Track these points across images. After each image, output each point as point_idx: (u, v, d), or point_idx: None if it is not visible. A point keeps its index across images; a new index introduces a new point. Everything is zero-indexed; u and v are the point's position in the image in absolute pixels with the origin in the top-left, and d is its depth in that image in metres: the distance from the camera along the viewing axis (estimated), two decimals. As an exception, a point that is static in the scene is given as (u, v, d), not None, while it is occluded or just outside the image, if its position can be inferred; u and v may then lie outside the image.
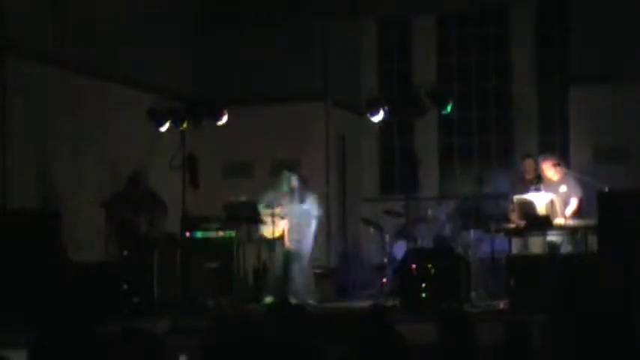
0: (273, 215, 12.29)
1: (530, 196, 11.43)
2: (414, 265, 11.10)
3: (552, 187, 11.48)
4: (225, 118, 12.29)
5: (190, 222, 12.12)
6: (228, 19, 15.19)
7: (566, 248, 11.26)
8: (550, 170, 11.56)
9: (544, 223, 11.08)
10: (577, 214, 11.42)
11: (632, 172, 13.34)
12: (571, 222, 11.24)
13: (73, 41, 12.35)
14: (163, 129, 12.01)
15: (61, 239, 10.90)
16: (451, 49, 16.10)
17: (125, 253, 11.67)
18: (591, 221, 10.82)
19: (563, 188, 11.47)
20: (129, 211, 11.93)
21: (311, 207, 12.46)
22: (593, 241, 10.79)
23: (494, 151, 15.87)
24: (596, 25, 14.00)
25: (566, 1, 14.72)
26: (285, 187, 12.52)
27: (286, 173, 12.64)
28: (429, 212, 12.87)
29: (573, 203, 11.43)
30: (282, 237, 12.45)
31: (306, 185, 12.57)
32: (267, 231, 12.40)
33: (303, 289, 12.22)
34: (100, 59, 12.71)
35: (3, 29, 11.43)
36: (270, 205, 12.40)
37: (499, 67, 15.85)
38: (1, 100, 11.36)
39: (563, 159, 12.25)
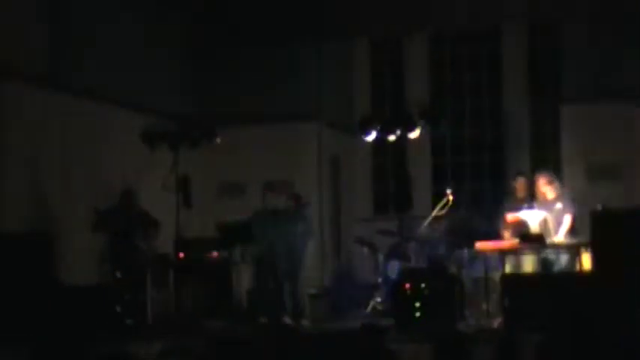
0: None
1: (523, 214, 11.45)
2: (407, 285, 11.09)
3: (547, 204, 11.49)
4: (218, 140, 12.34)
5: (184, 243, 12.11)
6: (221, 42, 15.21)
7: (559, 266, 11.27)
8: (545, 187, 11.57)
9: (537, 241, 11.08)
10: (571, 231, 11.43)
11: (625, 189, 13.38)
12: (564, 240, 11.25)
13: (67, 63, 12.35)
14: (157, 151, 12.05)
15: (54, 261, 10.86)
16: (443, 68, 16.15)
17: (118, 274, 11.64)
18: (584, 239, 10.83)
19: (558, 205, 11.48)
20: (121, 227, 11.90)
21: (305, 227, 12.46)
22: (586, 259, 10.80)
23: (487, 169, 15.89)
24: (587, 43, 14.08)
25: (557, 20, 14.78)
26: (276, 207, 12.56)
27: (277, 194, 12.66)
28: (423, 231, 12.86)
29: (567, 220, 11.43)
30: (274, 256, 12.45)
31: (299, 205, 12.56)
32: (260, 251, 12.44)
33: (297, 309, 12.20)
34: (93, 81, 12.70)
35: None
36: (263, 226, 12.41)
37: (491, 86, 15.89)
38: (-6, 122, 11.35)
39: (556, 177, 12.23)
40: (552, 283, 10.63)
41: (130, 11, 13.59)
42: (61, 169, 12.21)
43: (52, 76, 12.12)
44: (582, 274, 10.71)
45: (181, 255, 12.08)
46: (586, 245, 10.67)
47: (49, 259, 10.83)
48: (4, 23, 11.44)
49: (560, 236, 11.30)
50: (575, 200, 11.59)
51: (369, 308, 12.64)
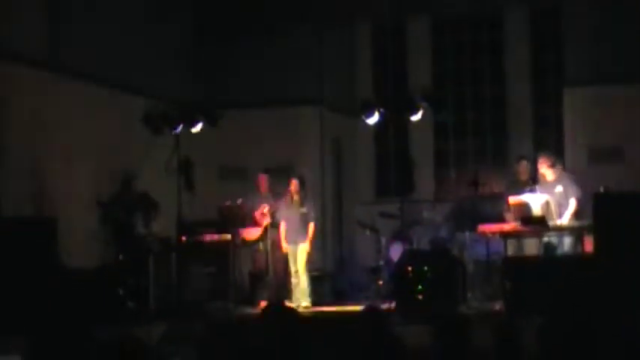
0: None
1: (526, 197, 11.44)
2: (409, 268, 11.10)
3: (548, 187, 11.48)
4: (220, 122, 12.34)
5: (186, 226, 12.13)
6: (223, 25, 15.19)
7: (562, 249, 11.26)
8: (546, 170, 11.55)
9: (539, 224, 11.08)
10: (576, 214, 11.41)
11: (627, 172, 13.37)
12: (566, 223, 11.24)
13: (67, 46, 12.33)
14: (159, 133, 12.05)
15: (57, 245, 10.88)
16: (446, 53, 16.11)
17: (121, 257, 11.66)
18: (587, 222, 10.82)
19: (559, 188, 11.46)
20: (123, 212, 11.93)
21: (309, 210, 12.48)
22: (589, 242, 10.80)
23: (489, 153, 15.88)
24: (588, 27, 14.05)
25: (559, 5, 14.74)
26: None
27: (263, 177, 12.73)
28: (425, 214, 12.87)
29: (572, 204, 11.39)
30: (262, 238, 12.49)
31: (304, 189, 12.57)
32: (248, 233, 12.47)
33: (299, 291, 12.22)
34: (95, 64, 12.70)
35: (-4, 34, 11.42)
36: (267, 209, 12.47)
37: (493, 71, 15.86)
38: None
39: (558, 160, 12.20)
40: (554, 266, 10.64)
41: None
42: (62, 152, 12.21)
43: (52, 59, 12.11)
44: (584, 257, 10.71)
45: (183, 238, 12.09)
46: (589, 228, 10.66)
47: (51, 243, 10.84)
48: (3, 7, 11.41)
49: (564, 219, 11.29)
50: (578, 183, 11.58)
51: (372, 291, 12.66)
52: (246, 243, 12.66)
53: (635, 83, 13.77)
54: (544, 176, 11.56)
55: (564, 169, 12.09)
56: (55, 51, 12.15)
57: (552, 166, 11.57)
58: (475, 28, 15.93)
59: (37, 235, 10.66)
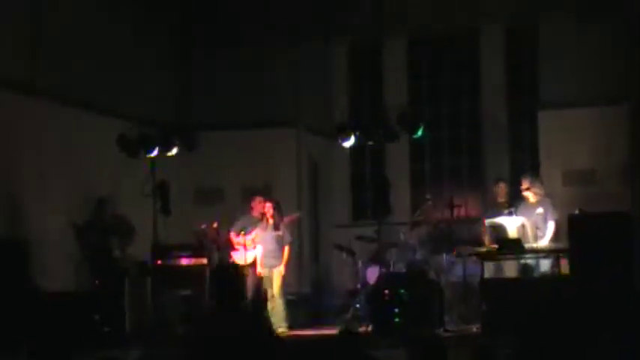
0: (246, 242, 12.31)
1: (501, 219, 11.46)
2: (386, 291, 11.09)
3: (529, 208, 11.51)
4: (196, 145, 12.31)
5: (161, 249, 12.06)
6: (199, 47, 15.19)
7: (538, 271, 11.28)
8: (529, 192, 11.58)
9: (515, 246, 11.10)
10: (555, 237, 11.44)
11: (601, 194, 13.42)
12: (546, 245, 11.25)
13: (44, 67, 12.26)
14: (134, 156, 12.00)
15: (30, 268, 10.78)
16: (422, 71, 16.15)
17: (97, 282, 11.58)
18: (564, 245, 10.85)
19: (539, 210, 11.49)
20: (99, 236, 11.86)
21: (284, 233, 12.44)
22: (565, 264, 10.83)
23: (465, 173, 15.90)
24: (564, 49, 14.14)
25: (534, 26, 14.83)
26: (255, 214, 12.56)
27: (259, 199, 12.64)
28: (402, 237, 12.86)
29: (551, 227, 11.43)
30: (254, 263, 12.44)
31: (279, 211, 12.53)
32: (239, 257, 12.37)
33: (275, 315, 12.16)
34: (71, 85, 12.63)
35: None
36: (242, 232, 12.41)
37: (469, 90, 15.90)
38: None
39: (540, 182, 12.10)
40: (530, 288, 10.64)
41: (109, 17, 13.53)
42: (37, 175, 12.10)
43: (28, 81, 12.03)
44: (560, 279, 10.73)
45: (159, 262, 12.02)
46: (565, 251, 10.69)
47: (25, 265, 10.75)
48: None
49: (544, 242, 11.31)
50: (556, 206, 11.62)
51: (349, 314, 12.62)
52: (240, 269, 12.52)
53: (609, 105, 13.85)
54: (527, 198, 11.58)
55: (545, 190, 12.09)
56: (31, 72, 12.07)
57: (531, 188, 11.59)
58: (451, 46, 15.94)
59: (9, 256, 10.57)
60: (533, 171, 13.29)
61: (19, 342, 9.60)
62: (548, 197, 11.79)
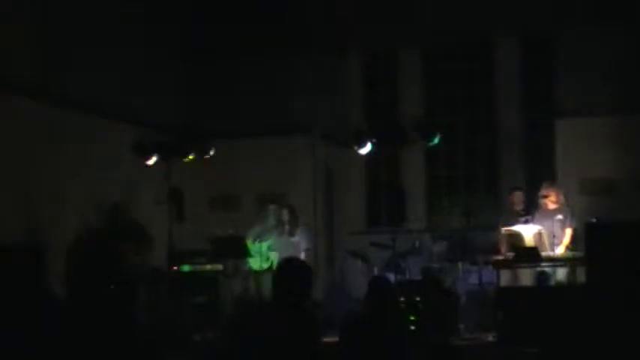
0: (262, 249, 12.29)
1: (518, 227, 11.42)
2: (401, 298, 11.04)
3: (548, 215, 11.47)
4: (211, 152, 12.31)
5: (176, 256, 12.06)
6: (215, 53, 15.21)
7: (555, 279, 11.22)
8: (546, 199, 11.54)
9: (532, 254, 11.04)
10: (570, 244, 11.38)
11: (618, 203, 13.35)
12: (562, 253, 11.20)
13: (57, 74, 12.29)
14: (149, 162, 12.00)
15: (45, 275, 10.77)
16: (437, 81, 16.12)
17: (112, 287, 11.55)
18: (581, 253, 10.79)
19: (559, 217, 11.44)
20: (114, 241, 11.83)
21: (300, 239, 12.42)
22: (582, 272, 10.76)
23: (481, 182, 15.85)
24: (579, 58, 14.08)
25: (549, 35, 14.78)
26: (271, 220, 12.52)
27: (273, 207, 12.63)
28: (417, 244, 12.81)
29: (568, 234, 11.39)
30: (270, 269, 12.41)
31: (295, 218, 12.52)
32: (256, 264, 12.36)
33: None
34: (85, 92, 12.65)
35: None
36: (258, 239, 12.39)
37: (485, 99, 15.85)
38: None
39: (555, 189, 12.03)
40: (546, 296, 10.58)
41: (122, 22, 13.55)
42: (52, 182, 12.12)
43: (42, 87, 12.06)
44: (576, 288, 10.66)
45: (174, 268, 12.02)
46: (582, 259, 10.63)
47: (42, 271, 10.73)
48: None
49: (560, 250, 11.26)
50: (574, 214, 11.58)
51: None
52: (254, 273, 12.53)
53: (626, 114, 13.78)
54: (545, 205, 11.53)
55: (565, 197, 12.04)
56: (45, 78, 12.10)
57: (551, 195, 11.55)
58: (467, 56, 15.91)
59: (25, 264, 10.56)
60: (553, 179, 13.24)
61: (32, 349, 9.59)
62: (567, 205, 11.74)
